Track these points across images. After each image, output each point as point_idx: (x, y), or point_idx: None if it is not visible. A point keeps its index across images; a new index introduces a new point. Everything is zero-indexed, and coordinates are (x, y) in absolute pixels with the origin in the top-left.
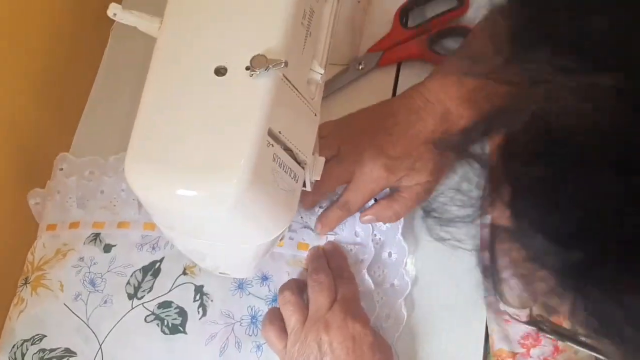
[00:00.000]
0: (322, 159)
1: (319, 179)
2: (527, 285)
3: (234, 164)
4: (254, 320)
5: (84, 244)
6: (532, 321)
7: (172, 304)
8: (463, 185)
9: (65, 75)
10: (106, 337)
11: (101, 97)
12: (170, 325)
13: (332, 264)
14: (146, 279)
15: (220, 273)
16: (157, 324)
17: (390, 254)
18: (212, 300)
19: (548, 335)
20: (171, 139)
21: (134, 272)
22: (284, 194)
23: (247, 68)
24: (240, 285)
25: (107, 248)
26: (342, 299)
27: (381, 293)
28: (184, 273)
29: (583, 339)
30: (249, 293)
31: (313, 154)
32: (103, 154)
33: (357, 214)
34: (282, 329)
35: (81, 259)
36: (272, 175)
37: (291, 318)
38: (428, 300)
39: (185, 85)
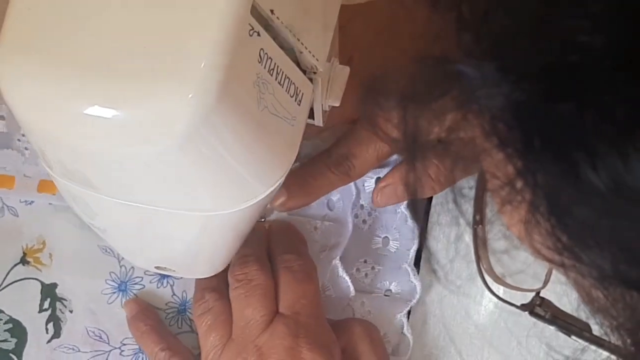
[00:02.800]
0: (346, 71)
1: (338, 104)
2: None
3: (191, 64)
4: None
5: None
6: (529, 304)
7: (1, 315)
8: None
9: None
10: None
11: None
12: None
13: (276, 248)
14: None
15: (156, 269)
16: None
17: (386, 241)
18: (71, 311)
19: (550, 326)
20: (78, 21)
21: None
22: (276, 122)
23: None
24: (122, 285)
25: None
26: (290, 310)
27: (368, 304)
28: (24, 261)
29: (588, 334)
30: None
31: (330, 59)
32: None
33: None
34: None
35: None
36: (257, 87)
37: (208, 337)
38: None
39: None
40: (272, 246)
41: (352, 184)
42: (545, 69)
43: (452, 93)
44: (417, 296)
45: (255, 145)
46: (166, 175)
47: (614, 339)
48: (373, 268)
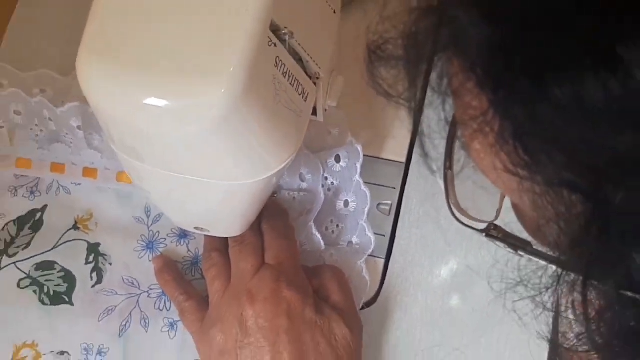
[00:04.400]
0: (341, 80)
1: (335, 104)
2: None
3: (223, 66)
4: None
5: None
6: (486, 229)
7: (56, 266)
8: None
9: None
10: None
11: None
12: (51, 293)
13: (264, 216)
14: (23, 234)
15: (195, 229)
16: (35, 291)
17: (347, 203)
18: (110, 264)
19: (498, 244)
20: (139, 31)
21: (7, 224)
22: (287, 113)
23: None
24: (150, 244)
25: None
26: (274, 261)
27: (335, 254)
28: (75, 227)
29: (535, 248)
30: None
31: (330, 73)
32: (48, 65)
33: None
34: (194, 294)
35: None
36: (273, 86)
37: (213, 284)
38: (407, 264)
39: None
40: (262, 214)
41: (317, 161)
42: (520, 13)
43: (443, 39)
44: (372, 246)
45: (271, 130)
46: (202, 151)
47: (551, 250)
48: (338, 226)
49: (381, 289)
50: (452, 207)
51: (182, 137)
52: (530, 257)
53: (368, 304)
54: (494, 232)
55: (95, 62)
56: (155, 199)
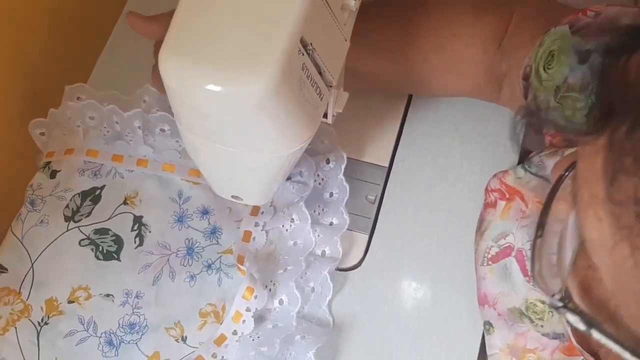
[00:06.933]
0: (346, 94)
1: (341, 111)
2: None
3: (264, 64)
4: (190, 252)
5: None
6: (563, 300)
7: (109, 232)
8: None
9: (87, 7)
10: (38, 256)
11: (126, 32)
12: (104, 251)
13: None
14: (85, 204)
15: (232, 197)
16: (92, 249)
17: (331, 194)
18: (150, 232)
19: (570, 316)
20: (206, 36)
21: (73, 196)
22: (308, 106)
23: None
24: (180, 218)
25: (53, 174)
26: None
27: (319, 230)
28: (125, 203)
29: (600, 328)
30: (188, 226)
31: (339, 87)
32: (121, 91)
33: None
34: None
35: (30, 185)
36: (299, 84)
37: None
38: (385, 239)
39: None
40: None
41: (312, 162)
42: None
43: None
44: (346, 226)
45: (295, 116)
46: (244, 128)
47: None
48: (323, 210)
49: (365, 256)
50: (536, 275)
51: (230, 115)
52: (603, 336)
53: (355, 267)
54: (570, 304)
55: (172, 56)
56: (203, 169)
